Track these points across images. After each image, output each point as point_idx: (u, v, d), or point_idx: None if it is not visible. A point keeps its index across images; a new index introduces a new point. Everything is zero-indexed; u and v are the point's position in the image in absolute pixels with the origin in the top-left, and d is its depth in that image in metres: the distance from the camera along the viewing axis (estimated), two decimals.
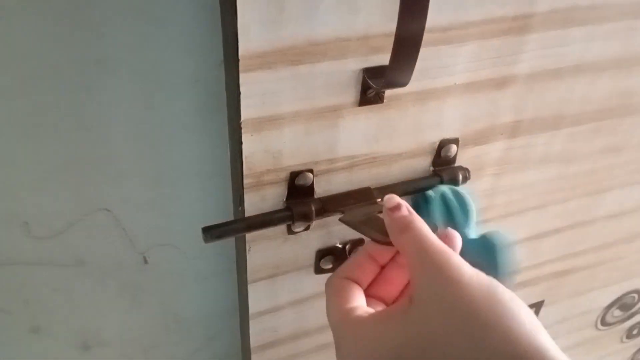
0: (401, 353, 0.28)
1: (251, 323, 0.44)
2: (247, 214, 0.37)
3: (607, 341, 0.79)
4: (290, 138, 0.35)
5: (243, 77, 0.31)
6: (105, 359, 0.52)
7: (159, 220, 0.45)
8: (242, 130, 0.33)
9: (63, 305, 0.47)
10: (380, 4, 0.32)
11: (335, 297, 0.33)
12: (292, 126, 0.35)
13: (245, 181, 0.36)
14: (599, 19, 0.40)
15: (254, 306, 0.43)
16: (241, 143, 0.34)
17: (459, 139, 0.42)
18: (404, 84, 0.32)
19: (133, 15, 0.35)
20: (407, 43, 0.29)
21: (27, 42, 0.34)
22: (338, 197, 0.39)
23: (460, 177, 0.41)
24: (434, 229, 0.32)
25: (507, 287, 0.29)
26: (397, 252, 0.34)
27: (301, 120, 0.35)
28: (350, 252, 0.43)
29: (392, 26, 0.28)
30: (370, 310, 0.32)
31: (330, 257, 0.43)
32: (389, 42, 0.29)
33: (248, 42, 0.30)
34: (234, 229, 0.36)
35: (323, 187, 0.39)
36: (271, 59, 0.31)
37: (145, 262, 0.47)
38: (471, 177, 0.43)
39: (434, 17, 0.33)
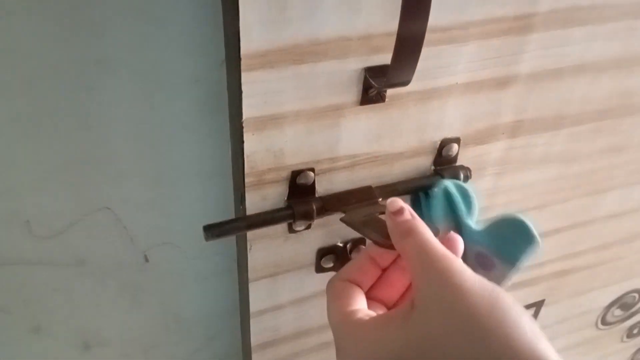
0: (401, 357, 0.28)
1: (252, 322, 0.44)
2: (248, 213, 0.37)
3: (607, 341, 0.79)
4: (291, 137, 0.35)
5: (245, 76, 0.31)
6: (106, 359, 0.52)
7: (160, 220, 0.45)
8: (244, 129, 0.33)
9: (63, 305, 0.47)
10: (382, 3, 0.32)
11: (336, 300, 0.33)
12: (293, 125, 0.35)
13: (246, 180, 0.36)
14: (600, 19, 0.40)
15: (254, 305, 0.43)
16: (243, 142, 0.34)
17: (460, 139, 0.42)
18: (405, 84, 0.32)
19: (133, 15, 0.35)
20: (409, 42, 0.29)
21: (27, 42, 0.34)
22: (339, 196, 0.39)
23: (462, 176, 0.41)
24: (436, 232, 0.32)
25: (514, 275, 0.29)
26: (399, 255, 0.34)
27: (303, 120, 0.35)
28: (351, 251, 0.43)
29: (393, 25, 0.29)
30: (372, 313, 0.32)
31: (331, 256, 0.43)
32: (391, 42, 0.29)
33: (250, 41, 0.30)
34: (235, 227, 0.36)
35: (324, 186, 0.39)
36: (273, 58, 0.31)
37: (146, 260, 0.47)
38: (472, 176, 0.43)
39: (435, 17, 0.33)
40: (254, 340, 0.46)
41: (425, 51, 0.30)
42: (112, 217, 0.43)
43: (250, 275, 0.41)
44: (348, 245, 0.43)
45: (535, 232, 0.37)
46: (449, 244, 0.33)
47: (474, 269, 0.29)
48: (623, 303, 0.73)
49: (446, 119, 0.40)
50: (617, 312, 0.74)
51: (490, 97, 0.41)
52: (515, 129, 0.44)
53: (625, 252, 0.64)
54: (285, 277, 0.43)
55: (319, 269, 0.43)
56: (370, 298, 0.34)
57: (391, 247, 0.33)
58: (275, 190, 0.37)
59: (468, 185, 0.40)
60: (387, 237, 0.33)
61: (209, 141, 0.42)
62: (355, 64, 0.34)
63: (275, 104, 0.33)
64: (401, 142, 0.40)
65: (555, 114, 0.45)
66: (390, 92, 0.36)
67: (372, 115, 0.37)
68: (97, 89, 0.37)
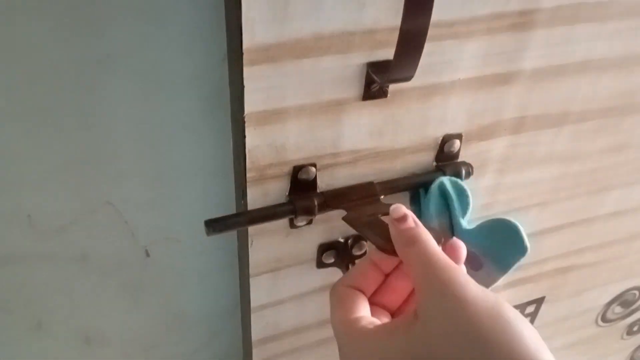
0: None
1: (253, 317, 0.44)
2: (249, 208, 0.37)
3: (607, 338, 0.79)
4: (293, 132, 0.35)
5: (247, 71, 0.31)
6: (107, 356, 0.52)
7: (161, 216, 0.45)
8: (246, 124, 0.33)
9: (64, 303, 0.47)
10: None
11: (339, 307, 0.33)
12: (295, 120, 0.35)
13: (248, 175, 0.36)
14: (605, 16, 0.40)
15: (255, 300, 0.43)
16: (244, 137, 0.34)
17: (463, 135, 0.41)
18: (408, 79, 0.32)
19: (134, 14, 0.35)
20: (412, 38, 0.29)
21: (28, 41, 0.34)
22: (341, 192, 0.39)
23: (463, 172, 0.41)
24: (439, 239, 0.32)
25: (501, 277, 0.29)
26: (401, 261, 0.34)
27: (305, 114, 0.35)
28: (352, 246, 0.43)
29: (397, 20, 0.28)
30: (375, 320, 0.32)
31: (332, 252, 0.43)
32: (394, 37, 0.29)
33: (252, 35, 0.30)
34: (236, 222, 0.36)
35: (326, 182, 0.39)
36: (275, 53, 0.31)
37: (147, 255, 0.47)
38: (474, 173, 0.43)
39: (439, 12, 0.33)
40: (255, 335, 0.46)
41: (428, 46, 0.30)
42: (114, 213, 0.43)
43: (252, 270, 0.41)
44: (349, 241, 0.43)
45: (526, 240, 0.37)
46: (451, 251, 0.33)
47: None
48: (623, 300, 0.73)
49: (448, 115, 0.40)
50: (618, 309, 0.74)
51: (493, 93, 0.40)
52: (518, 126, 0.44)
53: (627, 250, 0.64)
54: (286, 272, 0.43)
55: (320, 264, 0.43)
56: (373, 304, 0.35)
57: (393, 252, 0.33)
58: (277, 186, 0.37)
59: (465, 184, 0.40)
60: (390, 241, 0.33)
61: (211, 138, 0.42)
62: (358, 59, 0.34)
63: (277, 99, 0.33)
64: (403, 138, 0.39)
65: (559, 111, 0.45)
66: (392, 87, 0.36)
67: (374, 110, 0.37)
68: (98, 87, 0.37)
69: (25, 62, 0.35)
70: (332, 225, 0.41)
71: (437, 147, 0.41)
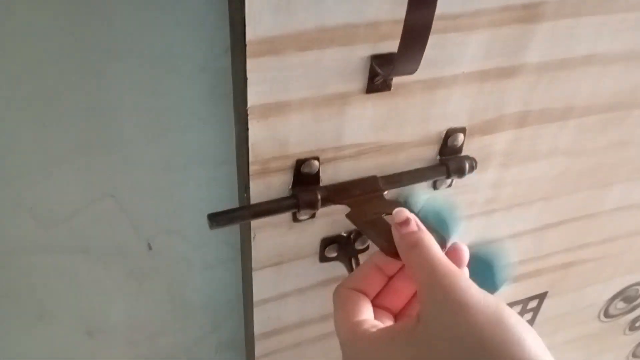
0: None
1: (255, 311, 0.44)
2: (252, 202, 0.37)
3: (609, 333, 0.79)
4: (296, 125, 0.35)
5: (250, 63, 0.31)
6: (110, 346, 0.52)
7: (164, 208, 0.45)
8: (249, 117, 0.33)
9: (68, 293, 0.47)
10: None
11: (342, 309, 0.33)
12: (298, 113, 0.35)
13: (251, 168, 0.36)
14: (610, 9, 0.40)
15: (258, 294, 0.43)
16: (247, 129, 0.34)
17: (466, 129, 0.41)
18: (412, 72, 0.32)
19: (141, 3, 0.35)
20: (416, 30, 0.29)
21: (33, 29, 0.34)
22: (344, 186, 0.39)
23: (467, 166, 0.41)
24: (442, 243, 0.32)
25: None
26: (405, 264, 0.34)
27: (308, 107, 0.35)
28: (355, 240, 0.43)
29: (401, 13, 0.28)
30: (378, 324, 0.32)
31: (335, 246, 0.43)
32: (398, 29, 0.29)
33: (255, 27, 0.30)
34: (239, 216, 0.36)
35: (329, 175, 0.39)
36: (279, 45, 0.31)
37: (150, 248, 0.47)
38: (477, 167, 0.43)
39: (443, 4, 0.32)
40: (257, 328, 0.46)
41: (432, 39, 0.29)
42: (117, 206, 0.43)
43: (254, 264, 0.41)
44: (352, 235, 0.43)
45: (499, 280, 0.37)
46: (454, 255, 0.33)
47: None
48: (626, 296, 0.73)
49: (452, 109, 0.40)
50: (620, 304, 0.74)
51: (497, 87, 0.40)
52: (522, 120, 0.43)
53: (630, 246, 0.64)
54: (289, 266, 0.43)
55: (323, 258, 0.43)
56: (376, 306, 0.35)
57: (396, 255, 0.33)
58: (280, 179, 0.37)
59: (447, 209, 0.40)
60: (393, 243, 0.33)
61: (214, 130, 0.42)
62: (362, 52, 0.34)
63: (280, 91, 0.33)
64: (407, 132, 0.39)
65: (563, 105, 0.44)
66: (396, 80, 0.36)
67: (378, 103, 0.37)
68: (103, 77, 0.37)
69: (30, 50, 0.35)
70: (335, 219, 0.41)
71: (441, 141, 0.41)
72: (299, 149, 0.36)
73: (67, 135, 0.39)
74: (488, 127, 0.42)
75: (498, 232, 0.51)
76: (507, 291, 0.59)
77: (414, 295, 0.35)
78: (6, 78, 0.35)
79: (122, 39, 0.36)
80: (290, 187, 0.38)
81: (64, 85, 0.37)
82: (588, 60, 0.42)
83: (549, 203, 0.52)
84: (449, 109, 0.40)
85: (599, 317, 0.74)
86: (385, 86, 0.36)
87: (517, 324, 0.27)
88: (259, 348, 0.47)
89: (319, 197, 0.37)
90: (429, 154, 0.41)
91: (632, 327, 0.81)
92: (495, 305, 0.28)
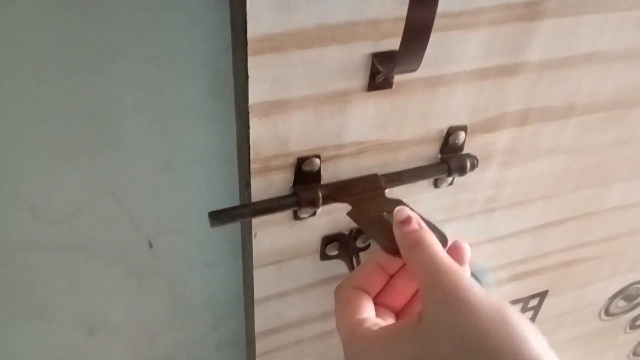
0: None
1: (256, 309, 0.44)
2: (253, 200, 0.37)
3: (610, 332, 0.79)
4: (297, 123, 0.35)
5: (251, 61, 0.31)
6: (111, 344, 0.52)
7: (165, 208, 0.45)
8: (250, 115, 0.33)
9: (68, 291, 0.47)
10: None
11: (344, 308, 0.33)
12: (300, 111, 0.35)
13: (252, 166, 0.36)
14: (611, 7, 0.40)
15: (259, 292, 0.43)
16: (248, 127, 0.34)
17: (468, 127, 0.41)
18: (413, 70, 0.32)
19: (142, 1, 0.35)
20: (418, 28, 0.29)
21: (38, 25, 0.34)
22: (345, 184, 0.39)
23: (468, 164, 0.41)
24: (443, 241, 0.32)
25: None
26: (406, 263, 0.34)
27: (309, 105, 0.35)
28: (356, 239, 0.43)
29: (402, 10, 0.28)
30: (380, 322, 0.32)
31: (336, 244, 0.43)
32: (400, 27, 0.29)
33: (257, 24, 0.30)
34: (240, 213, 0.36)
35: (330, 173, 0.39)
36: (280, 43, 0.31)
37: (151, 246, 0.47)
38: (479, 165, 0.42)
39: (445, 2, 0.33)
40: (258, 327, 0.46)
41: (434, 37, 0.29)
42: (117, 204, 0.43)
43: (255, 262, 0.41)
44: (353, 233, 0.43)
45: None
46: (455, 253, 0.33)
47: None
48: (627, 294, 0.73)
49: (453, 107, 0.40)
50: (621, 303, 0.74)
51: (498, 85, 0.40)
52: (523, 118, 0.43)
53: (630, 244, 0.64)
54: (290, 264, 0.43)
55: (324, 256, 0.43)
56: (377, 304, 0.35)
57: (398, 254, 0.33)
58: (281, 177, 0.37)
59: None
60: (394, 242, 0.33)
61: (216, 128, 0.42)
62: (363, 49, 0.34)
63: (281, 89, 0.33)
64: (408, 130, 0.39)
65: (564, 103, 0.44)
66: (397, 78, 0.36)
67: (379, 101, 0.37)
68: (104, 75, 0.37)
69: (34, 45, 0.35)
70: (336, 217, 0.41)
71: (442, 139, 0.41)
72: (300, 147, 0.36)
73: (67, 134, 0.39)
74: (489, 125, 0.42)
75: (499, 231, 0.51)
76: (508, 290, 0.59)
77: (416, 293, 0.35)
78: (7, 76, 0.35)
79: (123, 37, 0.36)
80: (291, 185, 0.38)
81: (65, 83, 0.36)
82: (589, 58, 0.42)
83: (550, 201, 0.52)
84: (450, 107, 0.39)
85: (599, 315, 0.74)
86: (387, 84, 0.36)
87: (519, 322, 0.27)
88: (260, 346, 0.47)
89: (320, 195, 0.37)
90: (430, 152, 0.41)
91: (632, 325, 0.81)
92: (498, 303, 0.28)
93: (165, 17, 0.36)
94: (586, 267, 0.63)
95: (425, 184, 0.43)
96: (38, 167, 0.39)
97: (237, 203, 0.39)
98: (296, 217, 0.40)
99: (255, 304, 0.44)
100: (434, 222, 0.34)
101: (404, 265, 0.35)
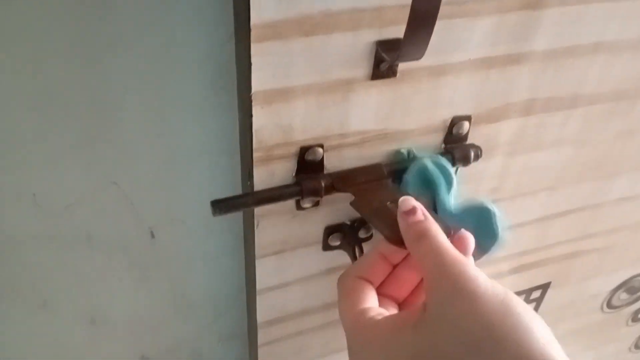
0: None
1: (258, 299, 0.44)
2: (255, 189, 0.37)
3: (612, 324, 0.79)
4: (301, 111, 0.35)
5: (254, 48, 0.31)
6: (113, 335, 0.52)
7: (167, 198, 0.45)
8: (253, 103, 0.33)
9: (70, 282, 0.47)
10: None
11: (347, 297, 0.33)
12: (303, 99, 0.34)
13: (254, 155, 0.35)
14: None
15: (261, 282, 0.43)
16: (251, 116, 0.33)
17: (472, 117, 0.41)
18: (418, 58, 0.31)
19: None
20: (423, 16, 0.29)
21: (39, 19, 0.34)
22: (348, 173, 0.39)
23: (472, 155, 0.41)
24: (448, 232, 0.32)
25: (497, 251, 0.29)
26: (409, 253, 0.33)
27: (312, 94, 0.34)
28: (358, 229, 0.42)
29: None
30: (383, 311, 0.32)
31: (339, 234, 0.43)
32: (405, 14, 0.29)
33: (260, 11, 0.30)
34: (242, 202, 0.36)
35: (333, 163, 0.38)
36: (283, 30, 0.31)
37: (152, 236, 0.47)
38: (483, 155, 0.42)
39: None
40: (260, 317, 0.46)
41: (439, 24, 0.29)
42: (119, 194, 0.43)
43: (257, 252, 0.41)
44: (356, 224, 0.43)
45: (498, 226, 0.36)
46: (459, 243, 0.33)
47: None
48: (630, 287, 0.73)
49: (458, 96, 0.39)
50: (623, 295, 0.74)
51: (503, 74, 0.40)
52: (528, 108, 0.43)
53: (634, 237, 0.64)
54: (292, 254, 0.42)
55: (326, 246, 0.43)
56: (380, 294, 0.35)
57: (402, 244, 0.32)
58: (284, 166, 0.37)
59: (446, 162, 0.39)
60: (398, 232, 0.33)
61: (220, 118, 0.42)
62: (368, 37, 0.33)
63: (284, 77, 0.33)
64: (412, 119, 0.39)
65: (569, 94, 0.44)
66: (402, 66, 0.35)
67: (383, 90, 0.36)
68: (106, 67, 0.37)
69: (35, 40, 0.34)
70: (339, 207, 0.41)
71: (446, 128, 0.41)
72: (303, 136, 0.36)
73: (69, 124, 0.39)
74: (494, 115, 0.42)
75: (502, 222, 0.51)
76: (511, 281, 0.59)
77: (419, 283, 0.35)
78: (11, 71, 0.35)
79: (124, 30, 0.36)
80: (294, 174, 0.38)
81: (67, 76, 0.36)
82: (595, 48, 0.42)
83: (554, 193, 0.51)
84: (455, 97, 0.39)
85: (602, 308, 0.74)
86: (391, 72, 0.35)
87: (525, 313, 0.27)
88: (262, 336, 0.47)
89: (323, 184, 0.37)
90: (434, 142, 0.41)
91: (635, 318, 0.81)
92: (504, 293, 0.28)
93: (166, 10, 0.36)
94: (589, 259, 0.63)
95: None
96: (40, 158, 0.39)
97: (239, 193, 0.39)
98: (299, 207, 0.39)
99: (257, 294, 0.44)
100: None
101: (407, 255, 0.34)
